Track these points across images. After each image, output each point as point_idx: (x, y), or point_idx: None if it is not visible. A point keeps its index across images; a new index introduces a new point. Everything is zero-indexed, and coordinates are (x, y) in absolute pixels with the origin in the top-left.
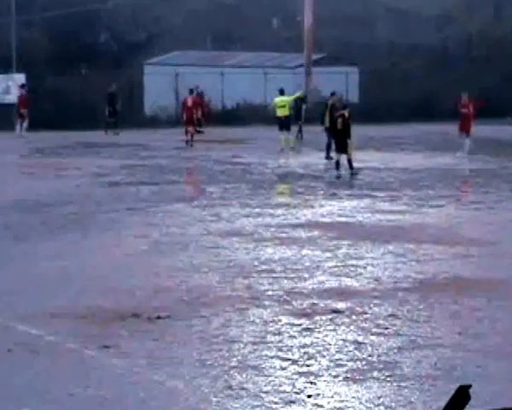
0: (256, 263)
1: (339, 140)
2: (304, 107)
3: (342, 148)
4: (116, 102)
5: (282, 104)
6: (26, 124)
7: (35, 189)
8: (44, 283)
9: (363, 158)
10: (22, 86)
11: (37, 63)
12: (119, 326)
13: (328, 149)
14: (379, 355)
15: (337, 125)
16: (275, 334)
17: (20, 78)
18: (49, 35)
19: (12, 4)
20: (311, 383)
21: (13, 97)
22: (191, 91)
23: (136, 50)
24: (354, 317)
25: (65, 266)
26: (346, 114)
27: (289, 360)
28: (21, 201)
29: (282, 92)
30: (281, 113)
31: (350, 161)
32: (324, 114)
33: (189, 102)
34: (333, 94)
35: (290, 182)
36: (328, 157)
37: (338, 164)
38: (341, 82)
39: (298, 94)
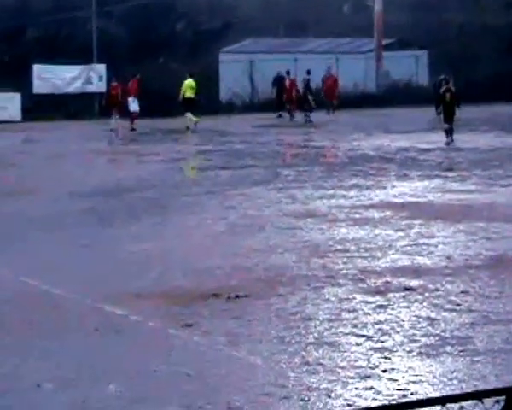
0: (331, 243)
1: (448, 111)
2: (310, 95)
3: (450, 117)
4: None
5: (190, 86)
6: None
7: (117, 175)
8: (128, 265)
9: (432, 139)
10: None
11: (116, 53)
12: (200, 305)
13: None
14: (452, 331)
15: (445, 99)
16: (350, 311)
17: (101, 68)
18: (128, 26)
19: None
20: (386, 358)
21: (93, 87)
22: (288, 73)
23: (211, 38)
24: (427, 294)
25: (147, 249)
26: (453, 88)
27: (364, 336)
28: (104, 186)
29: (191, 76)
30: (189, 94)
31: (452, 130)
32: None
33: (287, 84)
34: None
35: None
36: None
37: (447, 132)
38: (411, 66)
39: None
